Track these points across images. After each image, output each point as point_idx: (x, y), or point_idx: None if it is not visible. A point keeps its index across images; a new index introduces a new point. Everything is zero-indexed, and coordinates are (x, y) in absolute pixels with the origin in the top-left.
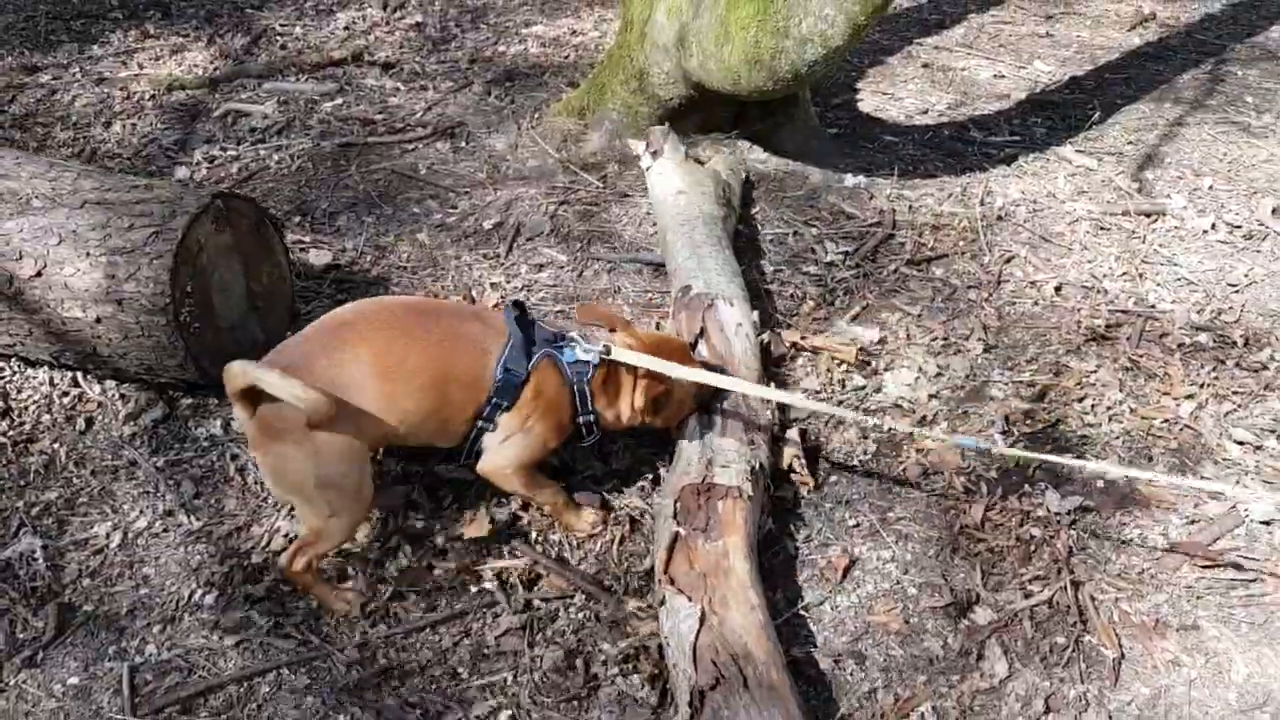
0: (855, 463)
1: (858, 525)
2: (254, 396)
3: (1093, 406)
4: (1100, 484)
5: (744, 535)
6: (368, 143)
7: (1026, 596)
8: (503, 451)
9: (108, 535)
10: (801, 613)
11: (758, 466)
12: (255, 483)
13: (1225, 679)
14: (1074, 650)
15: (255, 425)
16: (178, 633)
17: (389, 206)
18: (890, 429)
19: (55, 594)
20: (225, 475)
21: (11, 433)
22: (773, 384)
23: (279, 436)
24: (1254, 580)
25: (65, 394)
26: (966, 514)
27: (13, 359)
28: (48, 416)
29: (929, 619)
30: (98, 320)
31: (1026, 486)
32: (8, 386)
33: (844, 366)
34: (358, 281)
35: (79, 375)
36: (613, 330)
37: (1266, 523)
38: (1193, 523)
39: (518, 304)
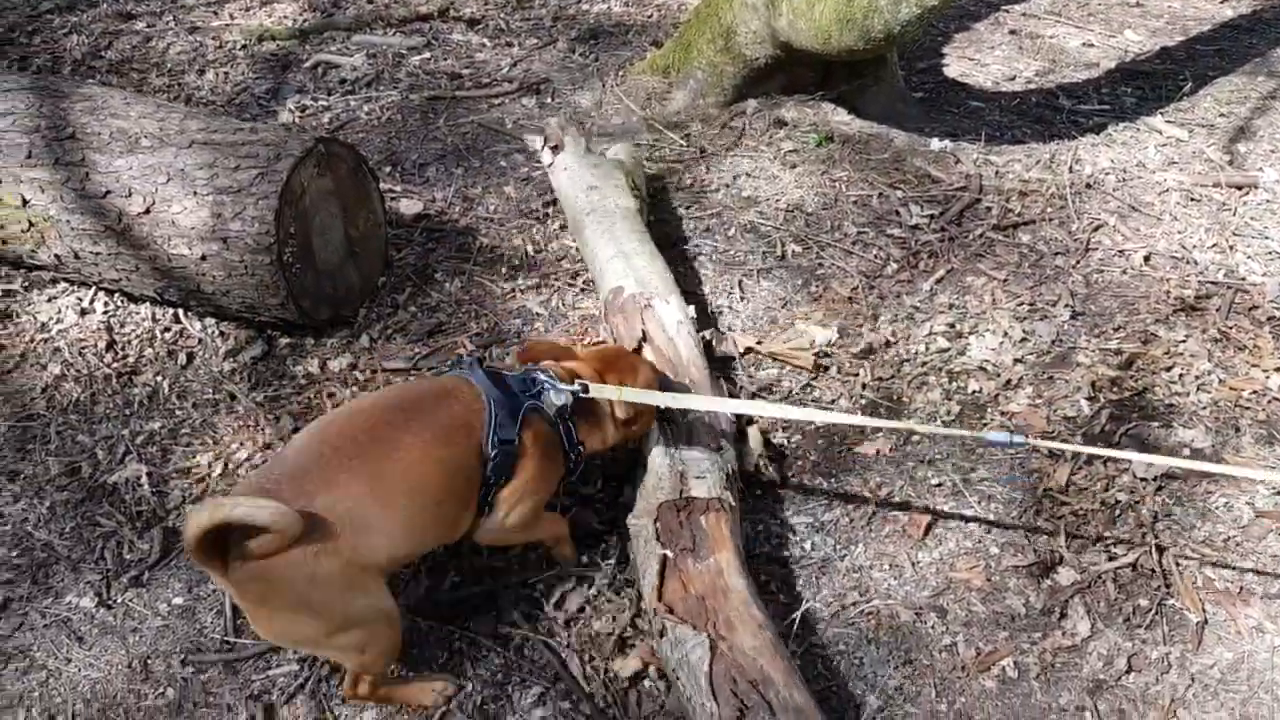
0: (938, 423)
1: (940, 484)
2: (219, 546)
3: (1180, 376)
4: (1187, 452)
5: (733, 549)
6: (455, 96)
7: (1110, 559)
8: (509, 519)
9: (209, 465)
10: (882, 568)
11: (731, 472)
12: None
13: None
14: (1157, 613)
15: (236, 581)
16: None
17: (476, 159)
18: (910, 431)
19: (160, 519)
20: (322, 412)
21: (116, 364)
22: (721, 381)
23: (273, 587)
24: None
25: (167, 329)
26: (1051, 476)
27: (117, 294)
28: (150, 350)
29: (1011, 577)
30: (203, 258)
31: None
32: (112, 320)
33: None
34: (447, 231)
35: (180, 312)
36: (558, 360)
37: None
38: (1279, 493)
39: (479, 361)
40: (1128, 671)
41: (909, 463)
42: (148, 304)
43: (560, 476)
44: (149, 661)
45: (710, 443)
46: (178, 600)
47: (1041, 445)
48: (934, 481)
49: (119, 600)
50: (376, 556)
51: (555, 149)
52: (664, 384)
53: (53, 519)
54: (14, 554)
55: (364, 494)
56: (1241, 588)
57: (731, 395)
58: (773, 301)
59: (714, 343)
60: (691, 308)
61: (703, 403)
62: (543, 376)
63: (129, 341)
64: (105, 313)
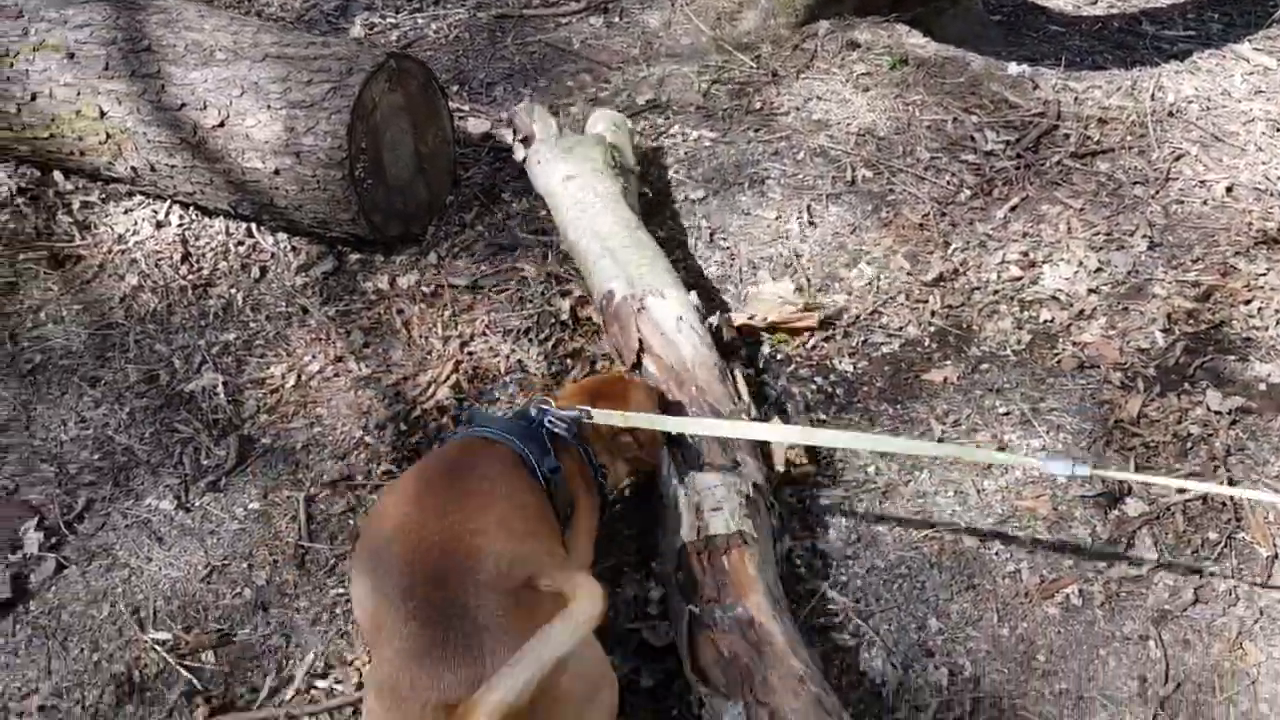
0: (1007, 353)
1: (1008, 413)
2: None
3: (1259, 310)
4: (1263, 386)
5: (763, 589)
6: (523, 15)
7: (1180, 492)
8: (585, 551)
9: (283, 376)
10: (946, 494)
11: (751, 490)
12: (420, 336)
13: None
14: (1226, 546)
15: None
16: (351, 468)
17: (544, 79)
18: (950, 457)
19: (235, 426)
20: (392, 327)
21: (191, 276)
22: (736, 375)
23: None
24: None
25: (240, 243)
26: (1123, 408)
27: (191, 208)
28: (224, 263)
29: (1078, 507)
30: (276, 172)
31: (1187, 385)
32: (187, 234)
33: (810, 338)
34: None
35: (253, 226)
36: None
37: None
38: None
39: (472, 410)
40: (1194, 603)
41: (977, 391)
42: (221, 218)
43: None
44: (227, 563)
45: (723, 461)
46: (254, 505)
47: (1105, 475)
48: (1002, 410)
49: (197, 504)
50: None
51: (526, 141)
52: (662, 404)
53: (132, 424)
54: (96, 457)
55: (508, 533)
56: None
57: (750, 393)
58: (841, 227)
59: (722, 329)
60: (693, 294)
61: (704, 426)
62: (543, 405)
63: (204, 254)
64: (180, 226)
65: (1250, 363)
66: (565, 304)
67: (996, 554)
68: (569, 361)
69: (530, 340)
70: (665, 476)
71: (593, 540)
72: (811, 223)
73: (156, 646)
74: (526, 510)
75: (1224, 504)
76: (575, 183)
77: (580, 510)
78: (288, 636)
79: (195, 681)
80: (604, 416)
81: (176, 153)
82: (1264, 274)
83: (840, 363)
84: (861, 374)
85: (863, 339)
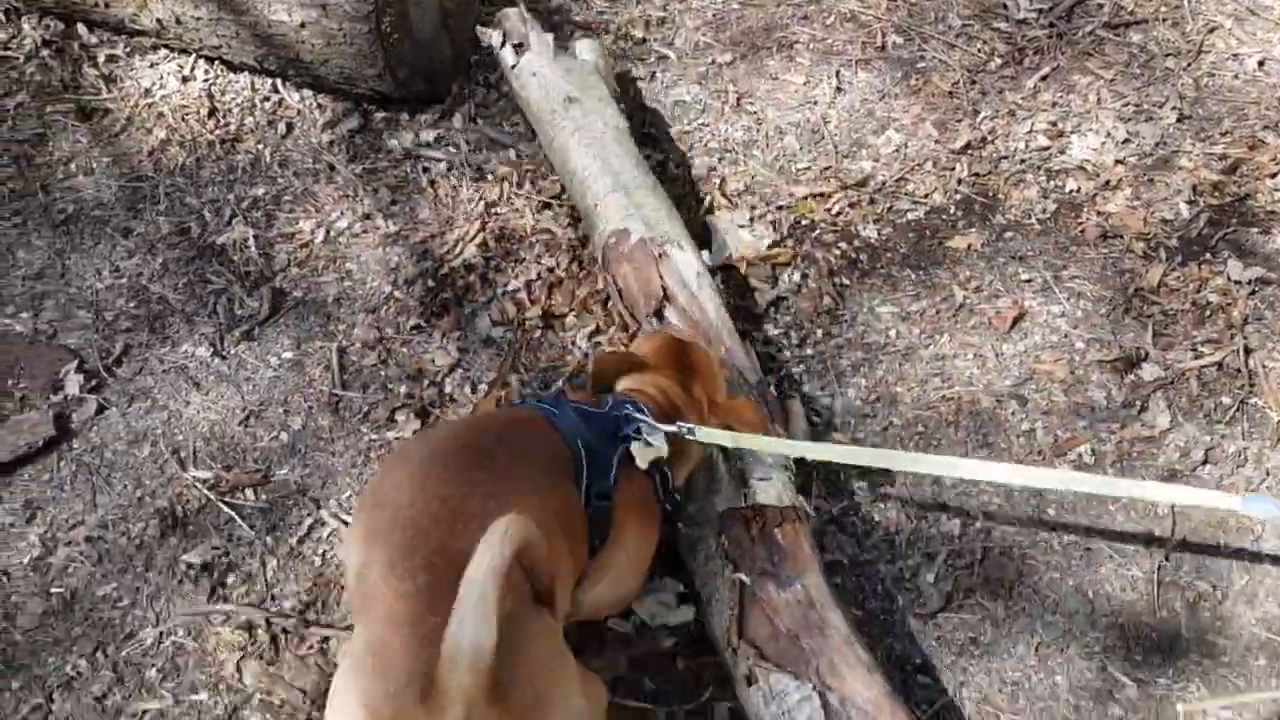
0: (1032, 221)
1: (1030, 280)
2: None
3: None
4: None
5: (819, 570)
6: None
7: (1196, 357)
8: (616, 590)
9: (312, 231)
10: (965, 357)
11: (792, 465)
12: (446, 195)
13: None
14: (1238, 411)
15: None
16: (381, 321)
17: None
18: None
19: (267, 279)
20: (418, 186)
21: (219, 131)
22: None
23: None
24: None
25: (266, 99)
26: (1143, 277)
27: (217, 62)
28: (251, 119)
29: (1095, 371)
30: (302, 25)
31: (1208, 255)
32: (213, 88)
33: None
34: (539, 9)
35: (279, 82)
36: (632, 372)
37: None
38: None
39: (561, 393)
40: (1204, 463)
41: (1000, 258)
42: (247, 73)
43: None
44: (263, 408)
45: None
46: (287, 354)
47: None
48: (1024, 277)
49: (233, 352)
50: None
51: (519, 48)
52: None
53: (165, 274)
54: (132, 305)
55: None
56: None
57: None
58: (870, 94)
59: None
60: (704, 253)
61: (840, 453)
62: (635, 413)
63: (230, 109)
64: (206, 80)
65: (1272, 235)
66: None
67: (1012, 414)
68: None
69: (557, 207)
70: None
71: (634, 582)
72: (840, 89)
73: (198, 484)
74: (562, 515)
75: (1239, 369)
76: (579, 107)
77: (620, 542)
78: (324, 479)
79: (236, 518)
80: (708, 436)
81: (202, 4)
82: None
83: (865, 229)
84: (886, 240)
85: (888, 205)
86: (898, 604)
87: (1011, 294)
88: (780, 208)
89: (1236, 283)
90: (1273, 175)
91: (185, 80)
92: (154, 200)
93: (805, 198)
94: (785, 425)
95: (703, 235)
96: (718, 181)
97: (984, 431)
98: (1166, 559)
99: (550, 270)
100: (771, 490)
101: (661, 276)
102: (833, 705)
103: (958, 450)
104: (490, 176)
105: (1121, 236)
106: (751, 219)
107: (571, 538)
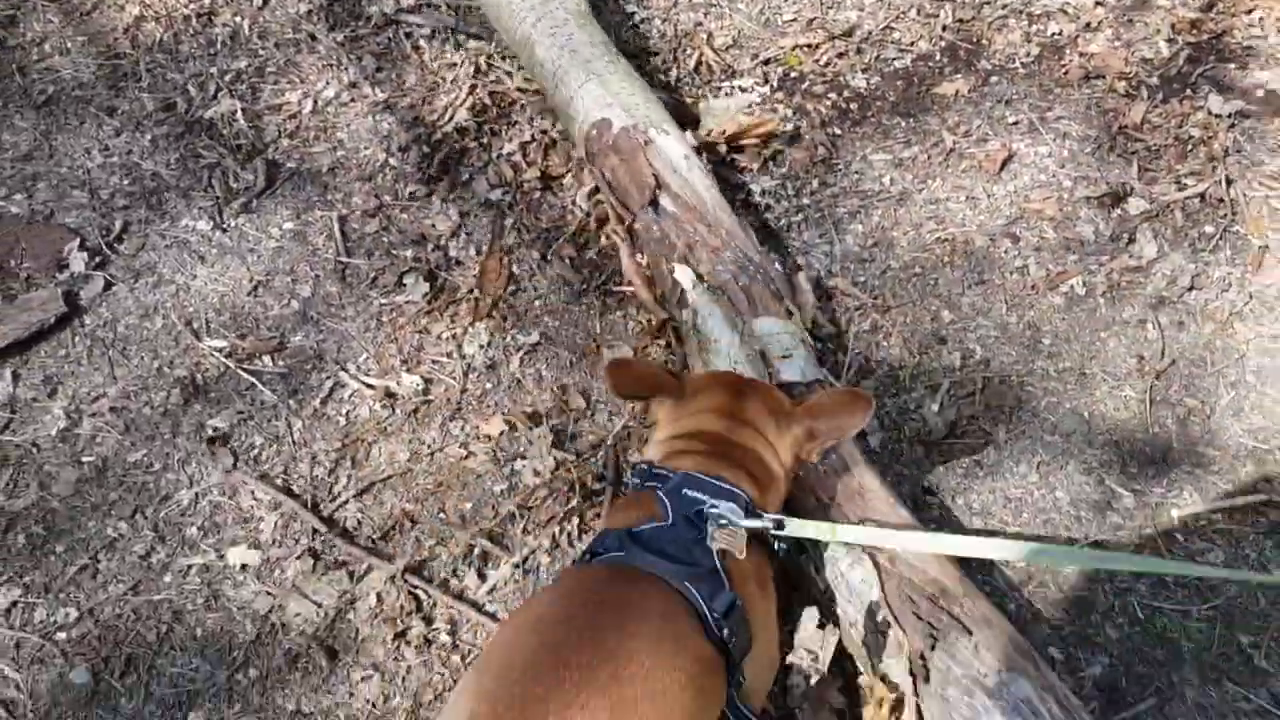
0: (1016, 65)
1: (1017, 123)
2: None
3: (1260, 20)
4: (1261, 93)
5: (852, 441)
6: None
7: (1180, 190)
8: (764, 674)
9: (299, 102)
10: (958, 200)
11: (809, 340)
12: (431, 59)
13: None
14: (1222, 239)
15: None
16: (378, 189)
17: None
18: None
19: (260, 150)
20: (402, 52)
21: (194, 5)
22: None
23: None
24: None
25: None
26: (1126, 115)
27: None
28: None
29: (1083, 208)
30: None
31: (1188, 91)
32: None
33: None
34: None
35: None
36: (662, 405)
37: None
38: None
39: (629, 534)
40: (1190, 289)
41: (986, 102)
42: None
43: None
44: (270, 278)
45: (777, 309)
46: (288, 225)
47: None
48: (1011, 119)
49: (233, 224)
50: None
51: None
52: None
53: (156, 151)
54: (126, 182)
55: None
56: None
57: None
58: None
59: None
60: (688, 134)
61: (942, 545)
62: (705, 502)
63: None
64: None
65: (1250, 70)
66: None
67: (1005, 252)
68: None
69: None
70: (709, 321)
71: (775, 641)
72: None
73: (215, 352)
74: (689, 676)
75: (1220, 200)
76: None
77: (760, 627)
78: (339, 343)
79: (257, 383)
80: (800, 529)
81: None
82: None
83: (854, 78)
84: (875, 89)
85: (875, 54)
86: (904, 434)
87: (999, 137)
88: (769, 61)
89: (1216, 116)
90: (1249, 10)
91: None
92: (135, 77)
93: (793, 49)
94: (793, 299)
95: (691, 109)
96: (705, 36)
97: (979, 270)
98: (1157, 378)
99: (544, 132)
100: (795, 366)
101: (650, 163)
102: (883, 565)
103: (955, 288)
104: (475, 43)
105: (1104, 76)
106: (742, 72)
107: (705, 686)
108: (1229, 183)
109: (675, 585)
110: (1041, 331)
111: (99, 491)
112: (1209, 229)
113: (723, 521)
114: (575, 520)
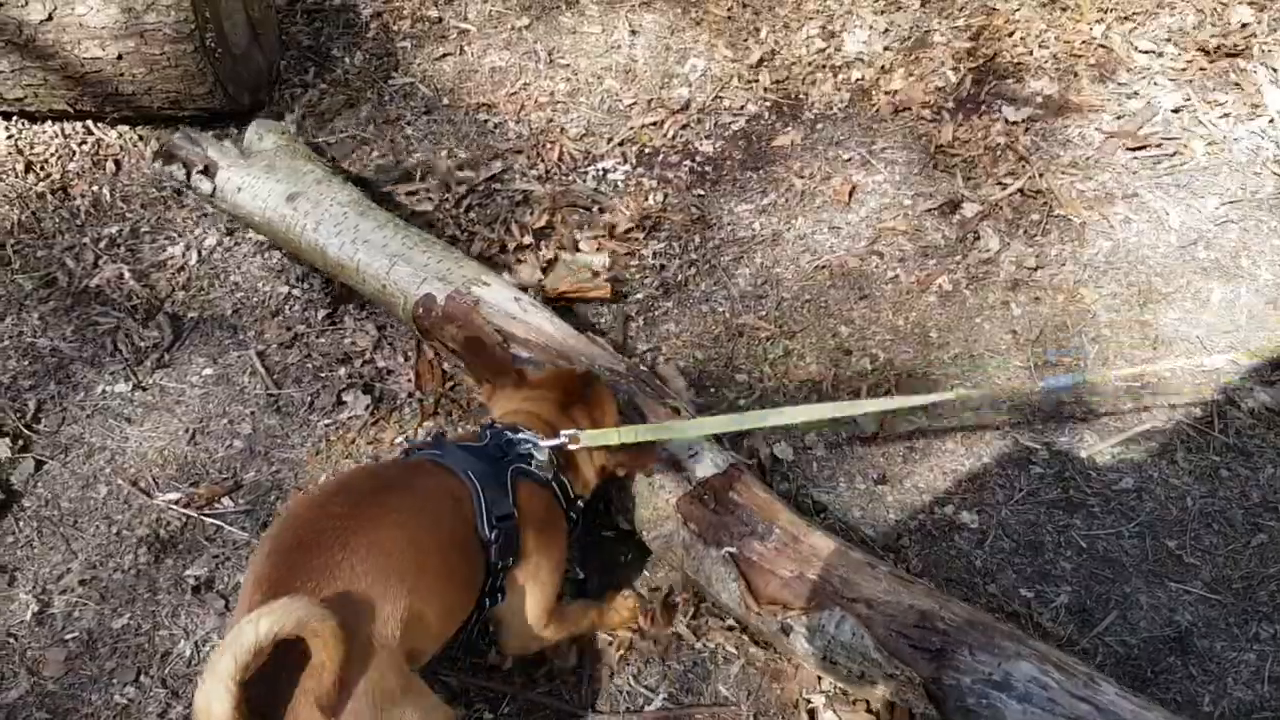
0: (835, 111)
1: (850, 159)
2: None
3: (1021, 39)
4: (1039, 98)
5: (783, 506)
6: None
7: (1003, 189)
8: (529, 613)
9: (183, 254)
10: (822, 231)
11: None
12: None
13: (1165, 227)
14: (1048, 223)
15: None
16: (289, 320)
17: None
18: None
19: (158, 307)
20: None
21: (43, 183)
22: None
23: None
24: (1174, 154)
25: (83, 142)
26: (939, 136)
27: (14, 118)
28: (74, 164)
29: (927, 219)
30: (119, 57)
31: (983, 107)
32: (20, 143)
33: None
34: (325, 9)
35: (90, 124)
36: (498, 387)
37: (1176, 110)
38: (1119, 118)
39: (440, 436)
40: (1035, 269)
41: (819, 146)
42: (49, 121)
43: (567, 544)
44: (204, 424)
45: (666, 413)
46: (208, 371)
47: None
48: (845, 157)
49: (150, 381)
50: (419, 644)
51: (207, 171)
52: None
53: (48, 327)
54: (25, 363)
55: (373, 575)
56: (1107, 193)
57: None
58: (661, 31)
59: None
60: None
61: (715, 424)
62: (517, 434)
63: (47, 160)
64: (10, 138)
65: (1025, 81)
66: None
67: (875, 267)
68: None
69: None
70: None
71: (551, 582)
72: (634, 30)
73: (171, 505)
74: (437, 541)
75: (1038, 191)
76: (306, 199)
77: (531, 561)
78: (294, 469)
79: (223, 524)
80: (592, 438)
81: (3, 56)
82: (1017, 9)
83: (701, 145)
84: (721, 151)
85: (714, 121)
86: (842, 437)
87: (839, 173)
88: (623, 142)
89: (1013, 124)
90: (1010, 34)
91: None
92: (3, 261)
93: (641, 128)
94: (666, 384)
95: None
96: (558, 130)
97: (859, 286)
98: (1034, 345)
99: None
100: (705, 463)
101: (488, 321)
102: (863, 613)
103: (845, 306)
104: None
105: (910, 108)
106: (602, 155)
107: (455, 560)
108: (1040, 175)
109: (464, 479)
110: (927, 328)
111: (93, 665)
112: (1035, 216)
113: (530, 446)
114: None
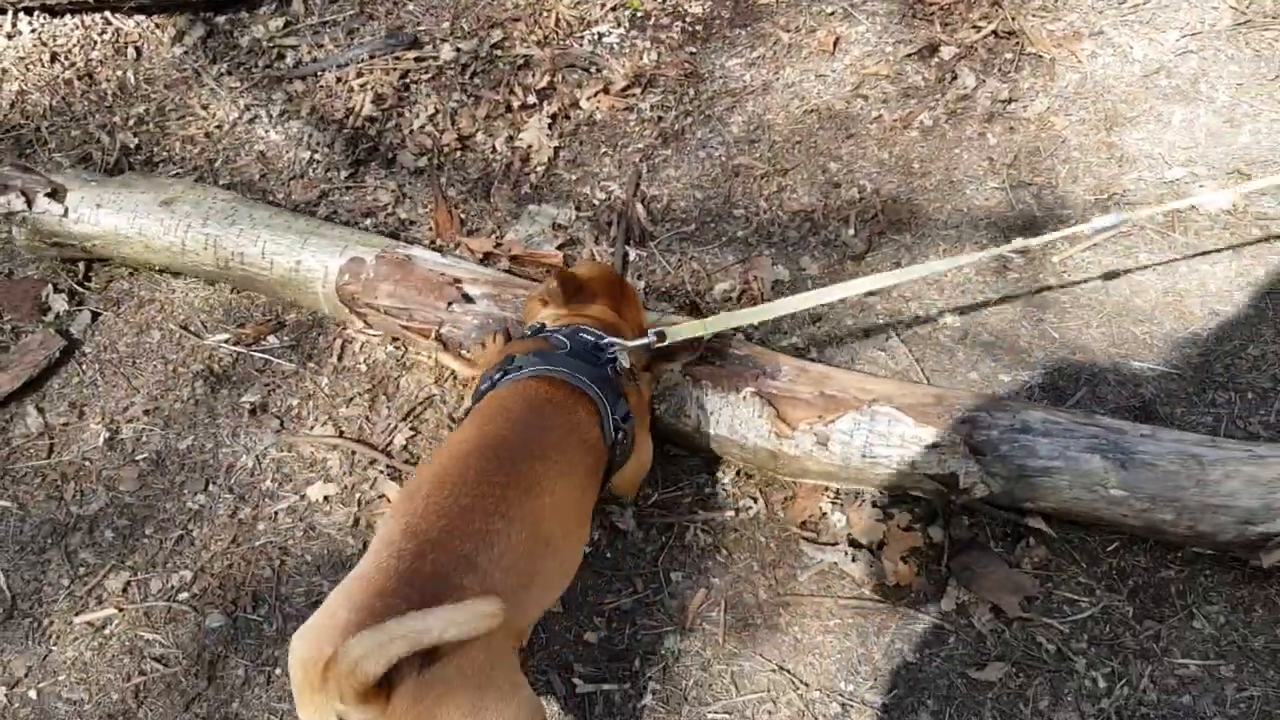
0: None
1: (834, 13)
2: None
3: None
4: None
5: (778, 350)
6: None
7: (977, 32)
8: (644, 456)
9: (207, 131)
10: (809, 79)
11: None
12: (319, 70)
13: (1130, 59)
14: (1020, 60)
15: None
16: (315, 180)
17: None
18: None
19: (189, 174)
20: (288, 69)
21: (69, 71)
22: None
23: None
24: None
25: (102, 32)
26: None
27: (35, 12)
28: (96, 53)
29: (908, 63)
30: None
31: None
32: (44, 36)
33: None
34: None
35: (107, 14)
36: (551, 294)
37: None
38: None
39: (541, 348)
40: (1009, 102)
41: (804, 2)
42: (69, 15)
43: None
44: None
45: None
46: None
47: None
48: (829, 10)
49: None
50: (526, 621)
51: (55, 194)
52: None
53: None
54: None
55: (525, 548)
56: (1074, 31)
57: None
58: None
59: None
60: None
61: (786, 305)
62: (596, 338)
63: (70, 50)
64: (34, 31)
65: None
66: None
67: (860, 109)
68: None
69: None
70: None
71: (648, 447)
72: None
73: (222, 344)
74: (580, 487)
75: (1010, 32)
76: (184, 201)
77: (639, 453)
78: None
79: (271, 358)
80: (679, 332)
81: None
82: None
83: (691, 6)
84: (711, 11)
85: None
86: (834, 258)
87: (824, 26)
88: (615, 8)
89: None
90: None
91: (10, 37)
92: (43, 143)
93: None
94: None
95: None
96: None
97: (845, 127)
98: (1010, 169)
99: (444, 101)
100: (686, 331)
101: (432, 268)
102: (886, 408)
103: (833, 144)
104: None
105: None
106: (597, 20)
107: (591, 492)
108: (1012, 19)
109: (585, 390)
110: (910, 160)
111: (164, 479)
112: (1008, 55)
113: (615, 346)
114: None
